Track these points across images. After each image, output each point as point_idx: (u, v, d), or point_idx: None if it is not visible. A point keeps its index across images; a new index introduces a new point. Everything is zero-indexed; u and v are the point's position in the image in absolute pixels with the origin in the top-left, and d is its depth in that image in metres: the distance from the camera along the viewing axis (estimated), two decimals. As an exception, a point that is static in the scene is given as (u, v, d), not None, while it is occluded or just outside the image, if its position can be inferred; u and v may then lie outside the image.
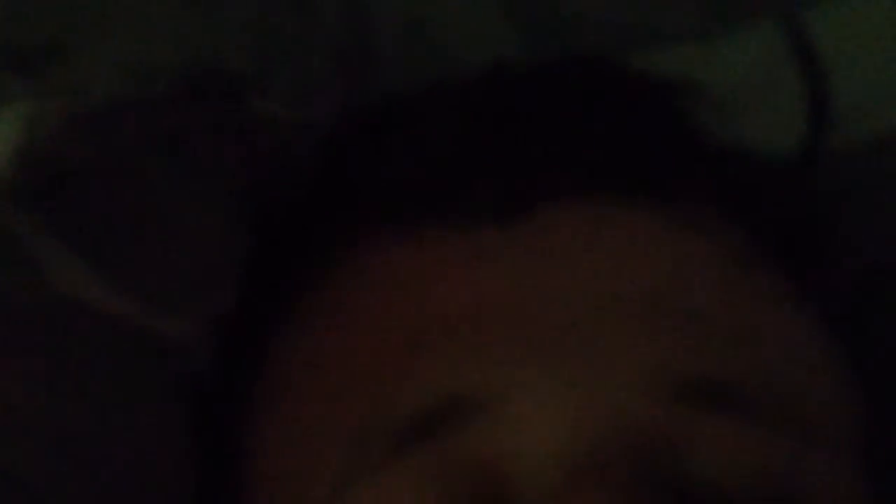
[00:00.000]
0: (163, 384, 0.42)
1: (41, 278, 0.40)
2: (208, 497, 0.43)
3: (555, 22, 0.49)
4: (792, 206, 0.47)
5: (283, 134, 0.43)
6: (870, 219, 0.48)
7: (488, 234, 0.41)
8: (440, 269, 0.41)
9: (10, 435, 0.40)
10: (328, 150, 0.44)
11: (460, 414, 0.38)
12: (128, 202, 0.41)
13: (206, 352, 0.43)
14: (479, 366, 0.38)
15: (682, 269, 0.41)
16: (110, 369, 0.41)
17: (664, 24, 0.49)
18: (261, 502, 0.42)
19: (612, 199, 0.42)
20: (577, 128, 0.43)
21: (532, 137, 0.43)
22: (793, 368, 0.40)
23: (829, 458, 0.40)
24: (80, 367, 0.41)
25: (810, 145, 0.48)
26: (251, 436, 0.43)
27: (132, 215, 0.41)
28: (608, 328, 0.38)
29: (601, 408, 0.37)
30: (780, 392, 0.39)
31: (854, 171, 0.48)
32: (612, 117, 0.44)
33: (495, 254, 0.40)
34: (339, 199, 0.44)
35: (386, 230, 0.42)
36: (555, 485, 0.37)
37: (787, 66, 0.49)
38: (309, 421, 0.41)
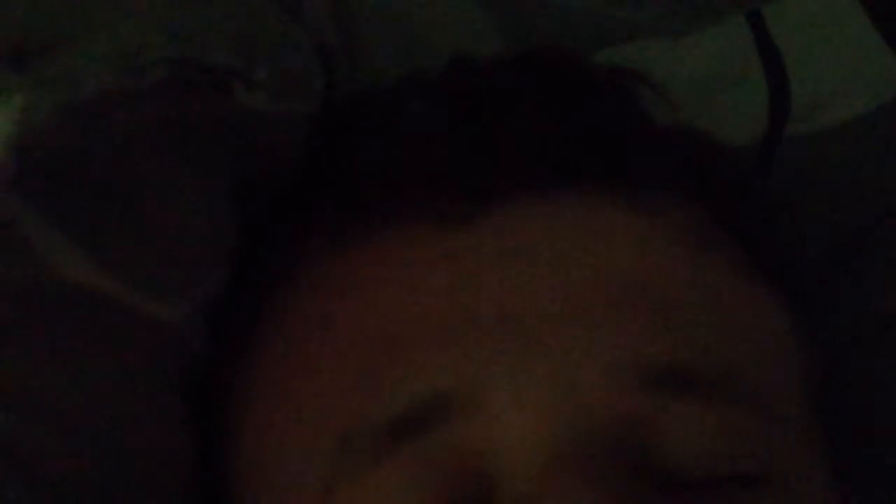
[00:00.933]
0: (157, 364, 0.42)
1: (41, 264, 0.40)
2: (202, 479, 0.43)
3: (533, 14, 0.49)
4: (748, 186, 0.48)
5: (267, 126, 0.44)
6: (823, 202, 0.49)
7: (457, 231, 0.42)
8: (410, 268, 0.42)
9: (11, 412, 0.40)
10: (306, 146, 0.45)
11: (439, 412, 0.39)
12: (120, 191, 0.42)
13: (198, 336, 0.43)
14: (455, 364, 0.39)
15: (645, 256, 0.42)
16: (108, 350, 0.42)
17: (639, 17, 0.49)
18: (248, 497, 0.42)
19: (572, 190, 0.43)
20: (535, 121, 0.44)
21: (491, 133, 0.44)
22: (755, 347, 0.42)
23: (793, 434, 0.41)
24: (80, 349, 0.41)
25: (771, 135, 0.49)
26: (237, 428, 0.43)
27: (124, 204, 0.42)
28: (576, 320, 0.40)
29: (573, 399, 0.38)
30: (744, 373, 0.40)
31: (808, 158, 0.50)
32: (569, 109, 0.45)
33: (463, 252, 0.41)
34: (312, 197, 0.45)
35: (357, 231, 0.43)
36: (532, 475, 0.38)
37: (751, 60, 0.50)
38: (292, 418, 0.41)
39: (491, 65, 0.46)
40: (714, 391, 0.39)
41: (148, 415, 0.42)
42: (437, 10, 0.49)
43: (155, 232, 0.42)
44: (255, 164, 0.44)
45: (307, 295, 0.43)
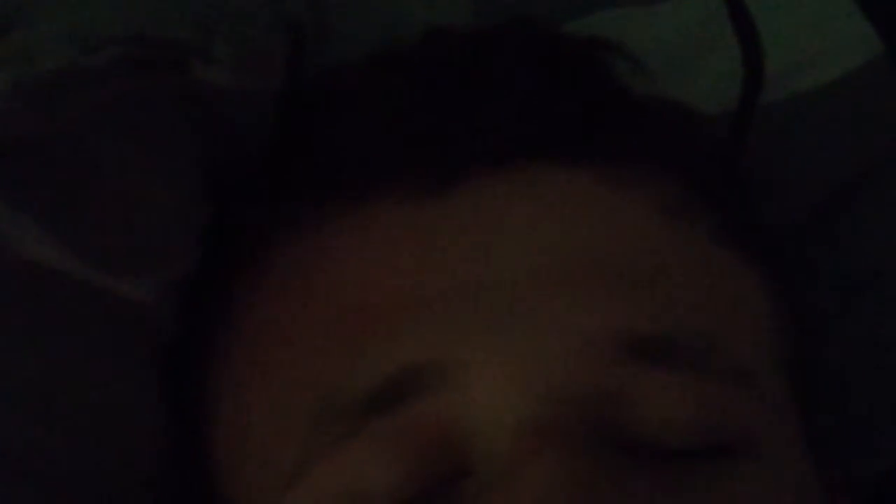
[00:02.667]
0: (126, 342, 0.42)
1: (4, 246, 0.40)
2: (178, 458, 0.43)
3: None
4: (723, 155, 0.48)
5: (232, 103, 0.43)
6: (797, 168, 0.49)
7: (428, 205, 0.41)
8: (383, 242, 0.41)
9: None
10: (276, 122, 0.44)
11: (412, 386, 0.38)
12: (78, 169, 0.41)
13: (170, 315, 0.43)
14: (427, 338, 0.39)
15: (618, 226, 0.41)
16: (73, 329, 0.41)
17: None
18: (225, 476, 0.42)
19: (545, 162, 0.42)
20: (506, 94, 0.44)
21: (464, 105, 0.43)
22: (732, 317, 0.41)
23: (771, 405, 0.41)
24: (43, 328, 0.41)
25: (745, 103, 0.49)
26: (213, 406, 0.43)
27: (82, 182, 0.41)
28: (548, 291, 0.39)
29: (547, 370, 0.38)
30: (721, 343, 0.40)
31: (783, 125, 0.49)
32: (541, 80, 0.44)
33: (434, 225, 0.41)
34: (283, 172, 0.44)
35: (326, 206, 0.42)
36: (508, 448, 0.37)
37: (724, 28, 0.49)
38: (267, 395, 0.41)
39: (464, 38, 0.46)
40: (691, 361, 0.39)
41: (119, 393, 0.42)
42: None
43: (115, 210, 0.42)
44: (223, 142, 0.44)
45: (279, 271, 0.43)
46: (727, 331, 0.41)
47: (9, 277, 0.40)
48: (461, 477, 0.38)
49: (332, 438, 0.39)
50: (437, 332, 0.39)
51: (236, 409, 0.42)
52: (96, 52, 0.41)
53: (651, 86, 0.46)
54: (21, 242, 0.40)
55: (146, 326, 0.42)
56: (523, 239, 0.40)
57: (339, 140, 0.44)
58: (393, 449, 0.38)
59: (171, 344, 0.43)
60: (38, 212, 0.41)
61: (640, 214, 0.42)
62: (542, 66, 0.45)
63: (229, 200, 0.44)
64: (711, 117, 0.48)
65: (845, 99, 0.49)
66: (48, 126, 0.40)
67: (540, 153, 0.42)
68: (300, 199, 0.43)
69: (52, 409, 0.41)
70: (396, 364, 0.39)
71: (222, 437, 0.43)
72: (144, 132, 0.42)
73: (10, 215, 0.40)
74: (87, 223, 0.41)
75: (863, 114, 0.49)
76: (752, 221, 0.45)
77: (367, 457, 0.38)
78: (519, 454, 0.37)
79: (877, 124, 0.50)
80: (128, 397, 0.42)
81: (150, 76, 0.41)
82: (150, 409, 0.43)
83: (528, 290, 0.39)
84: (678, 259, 0.41)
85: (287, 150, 0.45)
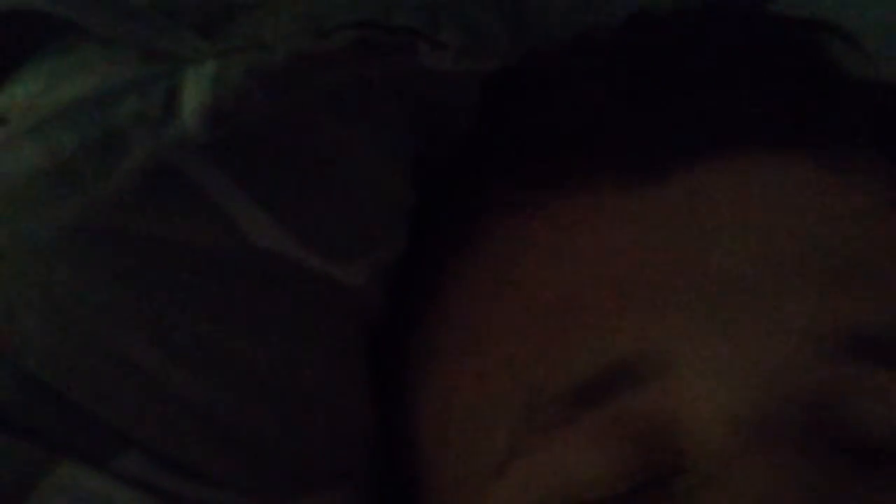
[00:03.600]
0: (340, 328, 0.43)
1: (231, 230, 0.41)
2: (381, 441, 0.44)
3: None
4: None
5: (446, 85, 0.43)
6: None
7: (644, 192, 0.41)
8: (595, 230, 0.41)
9: (208, 378, 0.42)
10: (486, 105, 0.45)
11: (629, 377, 0.39)
12: (307, 155, 0.42)
13: (377, 300, 0.44)
14: (642, 329, 0.39)
15: (837, 216, 0.41)
16: (294, 315, 0.42)
17: None
18: (427, 462, 0.43)
19: (761, 149, 0.42)
20: (720, 79, 0.43)
21: (674, 91, 0.43)
22: None
23: None
24: (267, 314, 0.42)
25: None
26: (417, 391, 0.44)
27: (310, 168, 0.42)
28: (771, 285, 0.39)
29: (768, 367, 0.38)
30: None
31: None
32: (755, 64, 0.44)
33: (648, 214, 0.41)
34: (492, 156, 0.45)
35: (539, 192, 0.43)
36: (722, 446, 0.37)
37: None
38: (475, 382, 0.42)
39: (672, 19, 0.46)
40: None
41: (331, 377, 0.43)
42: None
43: (339, 196, 0.42)
44: (430, 123, 0.44)
45: (488, 258, 0.43)
46: None
47: (242, 265, 0.41)
48: (673, 472, 0.38)
49: (542, 429, 0.39)
50: (653, 323, 0.39)
51: (442, 396, 0.43)
52: (328, 37, 0.41)
53: (869, 68, 0.45)
54: (252, 228, 0.41)
55: (358, 311, 0.43)
56: (741, 229, 0.40)
57: (548, 124, 0.44)
58: (605, 442, 0.38)
59: (379, 328, 0.44)
60: (268, 198, 0.41)
61: (859, 203, 0.41)
62: (757, 50, 0.44)
63: (434, 183, 0.45)
64: None
65: None
66: (282, 112, 0.41)
67: (755, 139, 0.42)
68: (510, 183, 0.43)
69: (270, 391, 0.42)
70: (610, 355, 0.39)
71: (426, 422, 0.43)
72: (370, 117, 0.43)
73: (242, 199, 0.41)
74: (311, 209, 0.42)
75: None
76: None
77: (578, 449, 0.39)
78: (735, 451, 0.37)
79: None
80: (340, 381, 0.43)
81: (379, 61, 0.42)
82: (358, 392, 0.44)
83: (747, 283, 0.39)
84: None
85: (495, 133, 0.45)
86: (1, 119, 0.42)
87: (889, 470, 0.38)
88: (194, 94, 0.40)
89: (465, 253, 0.44)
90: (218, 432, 0.42)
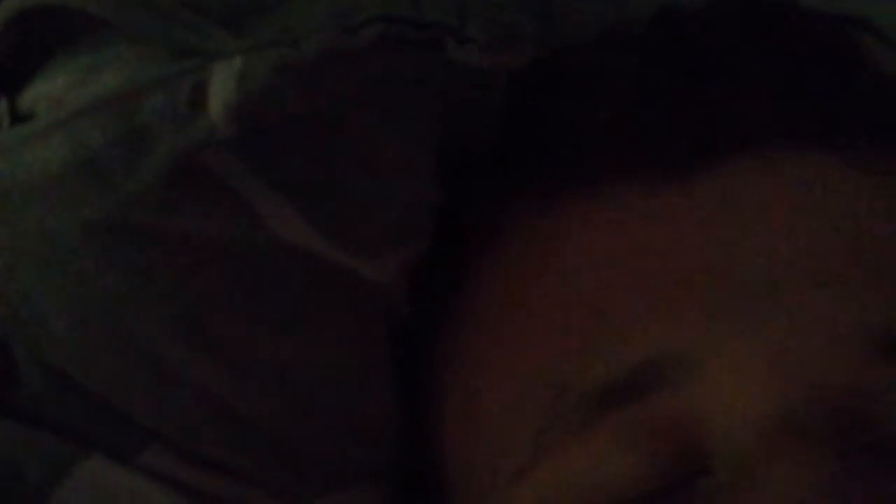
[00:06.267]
0: (366, 324, 0.43)
1: (259, 225, 0.41)
2: (405, 439, 0.44)
3: None
4: None
5: (474, 80, 0.43)
6: None
7: (672, 191, 0.41)
8: (624, 229, 0.41)
9: (230, 372, 0.42)
10: (514, 102, 0.44)
11: (654, 378, 0.38)
12: (334, 151, 0.42)
13: (403, 295, 0.44)
14: (674, 328, 0.39)
15: (868, 216, 0.41)
16: (320, 310, 0.42)
17: None
18: (451, 460, 0.43)
19: (795, 147, 0.41)
20: (751, 76, 0.43)
21: (702, 88, 0.43)
22: None
23: None
24: (293, 309, 0.42)
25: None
26: (445, 386, 0.44)
27: (338, 163, 0.42)
28: (803, 285, 0.39)
29: (797, 368, 0.37)
30: None
31: None
32: (786, 61, 0.43)
33: (678, 213, 0.41)
34: (519, 153, 0.45)
35: (566, 191, 0.42)
36: (748, 447, 0.37)
37: None
38: (499, 381, 0.42)
39: (700, 15, 0.45)
40: None
41: (356, 373, 0.43)
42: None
43: (366, 191, 0.42)
44: (457, 119, 0.44)
45: (515, 256, 0.43)
46: None
47: (267, 259, 0.41)
48: (700, 473, 0.38)
49: (568, 429, 0.39)
50: (679, 324, 0.39)
51: (466, 395, 0.43)
52: (356, 33, 0.41)
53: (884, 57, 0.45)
54: (278, 223, 0.41)
55: (383, 306, 0.43)
56: (768, 230, 0.40)
57: (577, 122, 0.43)
58: (631, 443, 0.38)
59: (404, 324, 0.44)
60: (294, 193, 0.41)
61: (888, 203, 0.41)
62: (787, 47, 0.44)
63: (461, 179, 0.44)
64: None
65: None
66: (311, 106, 0.41)
67: (784, 138, 0.42)
68: (537, 182, 0.43)
69: (294, 387, 0.42)
70: (637, 356, 0.39)
71: (451, 422, 0.43)
72: (398, 113, 0.42)
73: (268, 194, 0.41)
74: (338, 204, 0.42)
75: None
76: None
77: (605, 449, 0.38)
78: (762, 453, 0.37)
79: None
80: (364, 378, 0.43)
81: (407, 57, 0.42)
82: (384, 390, 0.43)
83: (776, 284, 0.39)
84: None
85: (522, 129, 0.45)
86: (28, 114, 0.42)
87: None
88: (221, 90, 0.40)
89: (492, 251, 0.44)
90: (242, 428, 0.42)
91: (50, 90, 0.42)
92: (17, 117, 0.42)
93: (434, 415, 0.44)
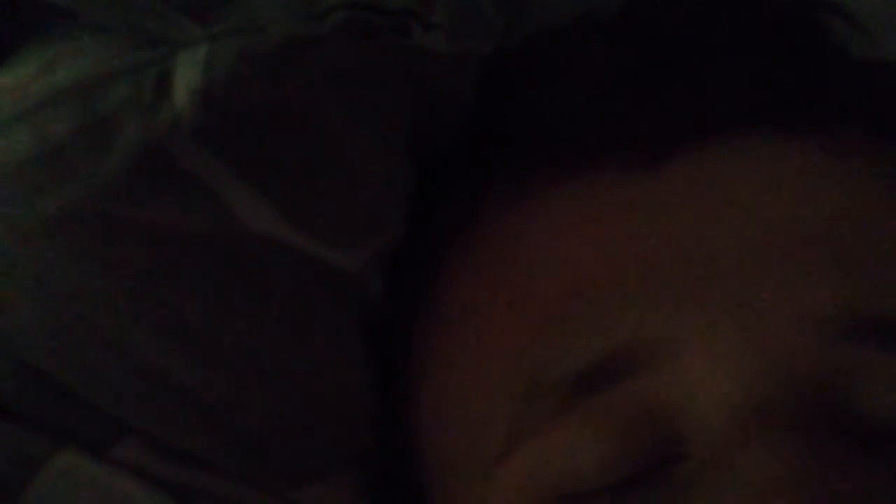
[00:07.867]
0: (338, 313, 0.43)
1: (226, 214, 0.41)
2: (380, 428, 0.44)
3: None
4: None
5: (442, 68, 0.43)
6: None
7: (640, 179, 0.41)
8: (596, 217, 0.41)
9: (199, 364, 0.42)
10: (485, 90, 0.44)
11: (629, 364, 0.38)
12: (301, 139, 0.42)
13: (376, 285, 0.44)
14: (646, 315, 0.39)
15: (840, 199, 0.40)
16: (290, 299, 0.42)
17: None
18: (427, 448, 0.43)
19: (761, 133, 0.41)
20: (718, 63, 0.43)
21: (673, 75, 0.43)
22: None
23: None
24: (263, 299, 0.42)
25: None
26: (418, 375, 0.44)
27: (305, 152, 0.42)
28: (774, 269, 0.38)
29: (769, 352, 0.37)
30: None
31: None
32: (755, 47, 0.43)
33: (647, 201, 0.41)
34: (490, 141, 0.44)
35: (538, 179, 0.42)
36: (722, 432, 0.37)
37: None
38: (474, 369, 0.42)
39: (670, 3, 0.45)
40: None
41: (329, 363, 0.43)
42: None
43: (335, 180, 0.42)
44: (427, 108, 0.44)
45: (488, 245, 0.43)
46: None
47: (237, 249, 0.41)
48: (674, 458, 0.38)
49: (543, 415, 0.39)
50: (652, 310, 0.39)
51: (441, 384, 0.43)
52: (321, 19, 0.41)
53: (869, 47, 0.45)
54: (247, 213, 0.41)
55: (356, 297, 0.43)
56: (741, 214, 0.40)
57: (549, 110, 0.43)
58: (605, 428, 0.38)
59: (378, 314, 0.44)
60: (264, 182, 0.41)
61: (862, 185, 0.41)
62: (756, 32, 0.44)
63: (433, 168, 0.44)
64: None
65: None
66: (276, 94, 0.41)
67: (756, 122, 0.41)
68: (509, 171, 0.43)
69: (268, 377, 0.42)
70: (610, 342, 0.39)
71: (426, 409, 0.43)
72: (365, 101, 0.42)
73: (237, 184, 0.41)
74: (308, 194, 0.42)
75: None
76: None
77: (579, 435, 0.38)
78: (736, 437, 0.37)
79: None
80: (339, 367, 0.43)
81: (373, 43, 0.42)
82: (358, 378, 0.43)
83: (748, 267, 0.39)
84: None
85: (494, 117, 0.45)
86: (-8, 106, 0.42)
87: (890, 450, 0.37)
88: (186, 78, 0.40)
89: (465, 240, 0.44)
90: (215, 419, 0.42)
91: (14, 82, 0.42)
92: None
93: (409, 404, 0.44)
